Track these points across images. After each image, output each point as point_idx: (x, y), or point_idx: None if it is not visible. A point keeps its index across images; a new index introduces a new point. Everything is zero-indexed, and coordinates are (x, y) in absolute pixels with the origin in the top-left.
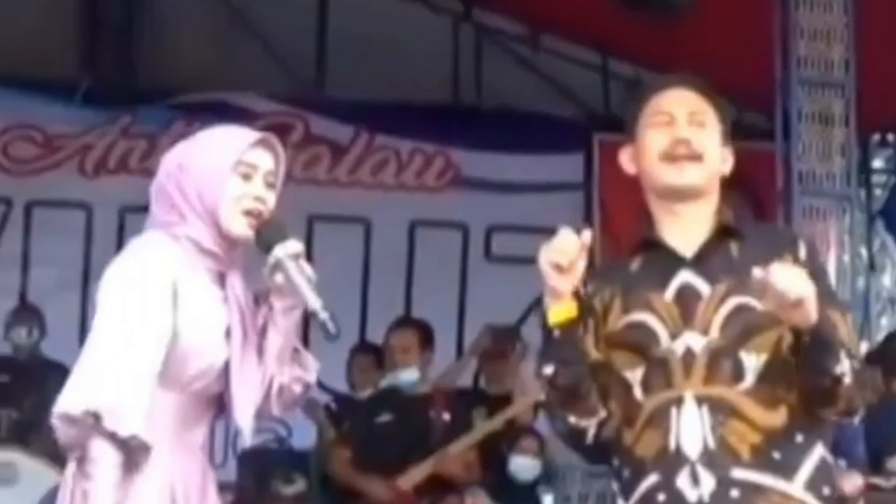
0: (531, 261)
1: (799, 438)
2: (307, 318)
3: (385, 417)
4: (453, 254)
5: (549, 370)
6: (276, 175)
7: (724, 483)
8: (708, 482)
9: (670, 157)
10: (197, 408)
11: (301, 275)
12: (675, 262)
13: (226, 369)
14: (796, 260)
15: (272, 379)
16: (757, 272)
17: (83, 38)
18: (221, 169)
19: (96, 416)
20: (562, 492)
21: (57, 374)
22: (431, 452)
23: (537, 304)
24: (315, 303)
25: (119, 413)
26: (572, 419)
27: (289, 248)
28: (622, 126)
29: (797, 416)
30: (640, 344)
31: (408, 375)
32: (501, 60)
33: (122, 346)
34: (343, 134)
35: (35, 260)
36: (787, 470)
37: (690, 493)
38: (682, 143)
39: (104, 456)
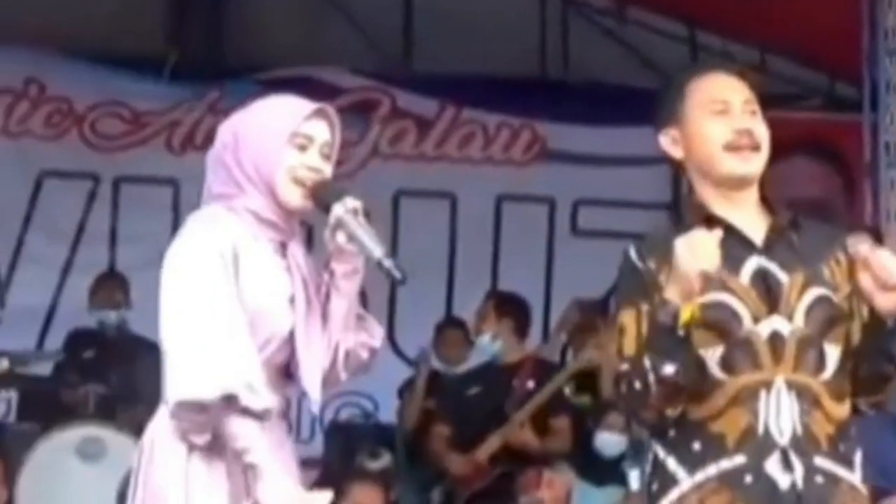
0: (618, 234)
1: (852, 432)
2: (393, 294)
3: (474, 390)
4: (540, 228)
5: (669, 370)
6: (331, 146)
7: (810, 470)
8: (798, 468)
9: (734, 148)
10: (266, 376)
11: (362, 227)
12: (743, 245)
13: (291, 338)
14: (847, 255)
15: (338, 345)
16: (863, 248)
17: (171, 14)
18: (277, 140)
19: (230, 398)
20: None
21: (144, 349)
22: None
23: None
24: (378, 251)
25: (251, 389)
26: (669, 411)
27: (347, 205)
28: None
29: (851, 409)
30: (720, 323)
31: (483, 343)
32: (588, 33)
33: (220, 324)
34: (429, 108)
35: (123, 236)
36: (849, 462)
37: (782, 479)
38: (744, 134)
39: (248, 429)
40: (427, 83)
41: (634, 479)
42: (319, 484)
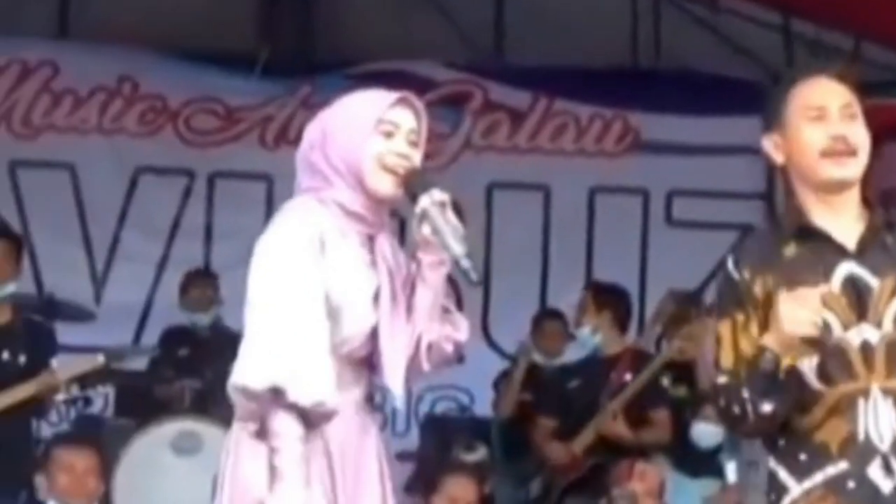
0: (713, 225)
1: None
2: (487, 287)
3: (575, 382)
4: (634, 219)
5: (767, 408)
6: (418, 134)
7: None
8: None
9: (830, 154)
10: (347, 370)
11: (446, 222)
12: (835, 252)
13: (374, 333)
14: None
15: (420, 336)
16: None
17: (262, 10)
18: (363, 128)
19: (277, 391)
20: (747, 458)
21: (238, 344)
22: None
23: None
24: (457, 249)
25: (301, 384)
26: (769, 430)
27: (434, 197)
28: None
29: None
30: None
31: (583, 336)
32: (680, 22)
33: (289, 316)
34: (522, 100)
35: (217, 231)
36: None
37: (884, 483)
38: (840, 140)
39: (288, 430)
40: (519, 75)
41: (731, 471)
42: (415, 477)
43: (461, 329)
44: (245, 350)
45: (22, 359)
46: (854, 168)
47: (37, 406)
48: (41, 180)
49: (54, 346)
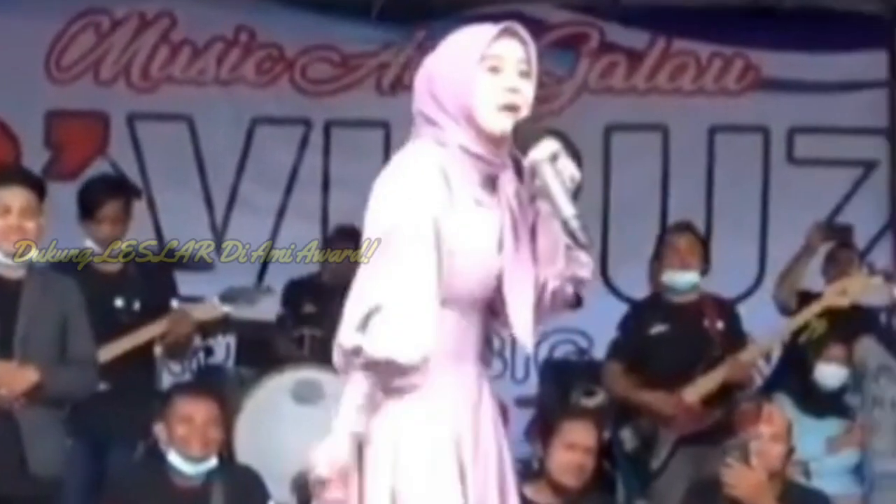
0: (835, 162)
1: None
2: (606, 229)
3: (659, 328)
4: (754, 158)
5: None
6: (528, 62)
7: None
8: None
9: None
10: (468, 318)
11: (556, 178)
12: None
13: (498, 278)
14: None
15: (545, 283)
16: None
17: None
18: (468, 67)
19: (356, 351)
20: (871, 393)
21: None
22: (711, 363)
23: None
24: (567, 210)
25: (380, 342)
26: None
27: (544, 149)
28: None
29: None
30: None
31: (689, 278)
32: None
33: (393, 272)
34: (639, 40)
35: (335, 180)
36: None
37: None
38: None
39: (357, 382)
40: (636, 15)
41: (856, 410)
42: (534, 422)
43: (585, 267)
44: (347, 306)
45: (136, 305)
46: None
47: (177, 349)
48: (160, 132)
49: (173, 286)
